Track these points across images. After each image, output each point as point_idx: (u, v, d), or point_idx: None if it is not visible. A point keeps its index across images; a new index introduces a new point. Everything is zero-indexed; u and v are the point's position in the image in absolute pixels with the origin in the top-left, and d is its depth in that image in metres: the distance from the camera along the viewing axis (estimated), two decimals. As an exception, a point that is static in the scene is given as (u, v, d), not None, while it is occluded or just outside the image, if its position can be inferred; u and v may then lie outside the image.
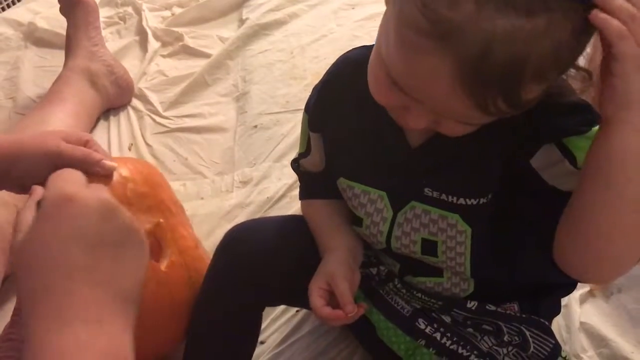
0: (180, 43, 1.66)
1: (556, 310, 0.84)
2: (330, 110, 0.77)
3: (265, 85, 1.51)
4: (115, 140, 1.41)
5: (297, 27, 1.68)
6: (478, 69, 0.48)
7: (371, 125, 0.71)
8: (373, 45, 0.60)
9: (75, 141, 0.80)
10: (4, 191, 0.83)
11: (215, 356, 0.83)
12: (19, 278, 0.49)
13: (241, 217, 1.21)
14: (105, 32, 1.68)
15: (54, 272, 0.47)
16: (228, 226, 0.87)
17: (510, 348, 0.76)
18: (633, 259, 0.59)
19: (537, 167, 0.62)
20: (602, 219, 0.56)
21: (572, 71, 0.54)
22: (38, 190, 0.57)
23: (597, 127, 0.56)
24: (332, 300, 0.75)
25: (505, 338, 0.77)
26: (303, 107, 0.82)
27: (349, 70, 0.72)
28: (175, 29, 1.69)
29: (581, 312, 0.98)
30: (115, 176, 0.82)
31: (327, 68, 0.79)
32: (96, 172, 0.78)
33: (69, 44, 1.45)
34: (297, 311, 1.02)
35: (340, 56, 0.78)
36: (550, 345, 0.75)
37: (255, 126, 1.41)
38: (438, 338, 0.79)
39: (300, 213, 0.90)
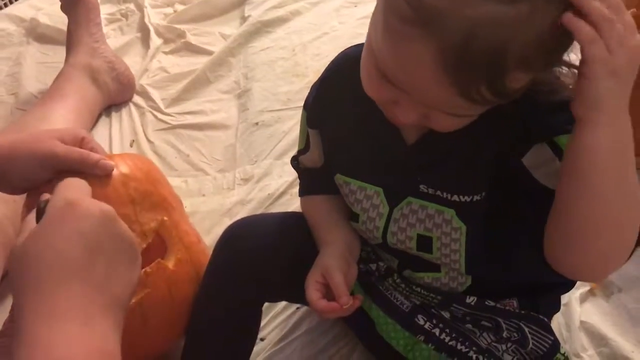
0: (182, 40, 1.66)
1: (556, 307, 0.85)
2: (328, 107, 0.77)
3: (267, 83, 1.51)
4: (116, 137, 1.41)
5: (299, 24, 1.68)
6: (461, 55, 0.49)
7: (368, 122, 0.71)
8: None
9: (70, 140, 0.80)
10: (2, 187, 0.83)
11: (214, 352, 0.83)
12: (14, 272, 0.50)
13: (242, 214, 1.20)
14: (107, 29, 1.68)
15: (50, 268, 0.48)
16: (229, 223, 0.87)
17: (509, 344, 0.77)
18: (620, 255, 0.60)
19: (528, 166, 0.63)
20: (582, 214, 0.57)
21: (564, 69, 0.55)
22: (45, 198, 0.58)
23: None
24: (329, 293, 0.75)
25: (504, 334, 0.77)
26: (304, 104, 0.82)
27: (347, 67, 0.73)
28: (178, 26, 1.70)
29: (581, 311, 0.98)
30: (117, 175, 0.81)
31: (327, 65, 0.79)
32: (94, 174, 0.78)
33: (70, 41, 1.45)
34: (297, 308, 1.02)
35: (339, 53, 0.79)
36: (549, 342, 0.76)
37: (257, 123, 1.41)
38: (437, 334, 0.79)
39: (301, 210, 0.90)
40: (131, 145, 1.39)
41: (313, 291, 0.75)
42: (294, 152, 0.90)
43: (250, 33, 1.65)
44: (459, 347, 0.78)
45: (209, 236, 1.14)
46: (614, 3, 0.50)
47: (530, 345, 0.75)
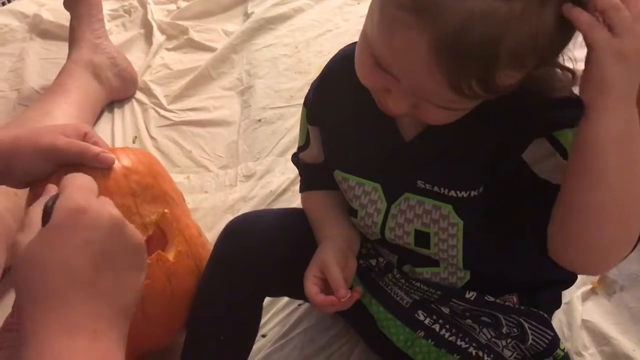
0: (185, 36, 1.66)
1: (556, 303, 0.85)
2: (328, 104, 0.78)
3: (270, 80, 1.51)
4: (119, 133, 1.41)
5: (302, 21, 1.68)
6: (453, 47, 0.49)
7: (366, 118, 0.71)
8: None
9: (73, 134, 0.80)
10: (3, 180, 0.83)
11: (215, 346, 0.83)
12: (20, 276, 0.50)
13: (244, 211, 1.20)
14: (110, 25, 1.68)
15: (57, 278, 0.48)
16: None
17: (509, 340, 0.77)
18: (622, 249, 0.60)
19: (528, 161, 0.63)
20: (588, 207, 0.57)
21: (558, 71, 0.56)
22: (51, 190, 0.58)
23: None
24: (327, 288, 0.75)
25: (504, 330, 0.77)
26: (306, 101, 0.82)
27: (347, 64, 0.73)
28: (181, 23, 1.70)
29: (583, 310, 0.97)
30: (119, 168, 0.82)
31: (328, 62, 0.79)
32: (95, 166, 0.78)
33: (73, 37, 1.45)
34: (298, 305, 1.02)
35: (339, 50, 0.80)
36: (549, 337, 0.76)
37: (259, 120, 1.41)
38: (437, 329, 0.79)
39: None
40: (134, 142, 1.39)
41: (311, 285, 0.75)
42: (296, 149, 0.90)
43: (253, 30, 1.65)
44: (458, 342, 0.78)
45: (211, 233, 1.14)
46: None
47: (530, 340, 0.76)
